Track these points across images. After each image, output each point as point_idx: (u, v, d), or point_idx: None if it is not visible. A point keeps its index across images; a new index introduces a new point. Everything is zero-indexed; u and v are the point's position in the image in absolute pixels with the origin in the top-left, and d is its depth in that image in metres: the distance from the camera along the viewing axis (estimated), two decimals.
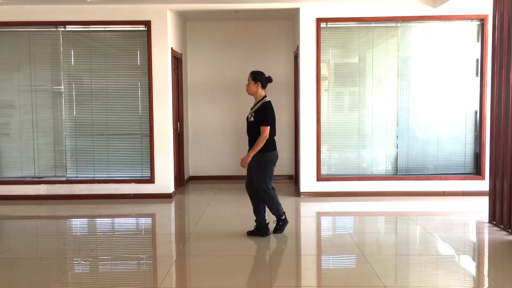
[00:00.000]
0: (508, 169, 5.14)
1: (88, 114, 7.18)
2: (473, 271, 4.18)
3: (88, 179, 7.18)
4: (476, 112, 7.09)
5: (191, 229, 5.47)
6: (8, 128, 7.26)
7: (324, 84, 7.18)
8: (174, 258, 4.47)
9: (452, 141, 7.15)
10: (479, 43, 7.01)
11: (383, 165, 7.23)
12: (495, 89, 5.45)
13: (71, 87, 7.20)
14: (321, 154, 7.13)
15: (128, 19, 7.00)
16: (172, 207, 6.76)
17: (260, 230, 5.01)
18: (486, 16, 6.84)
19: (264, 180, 4.85)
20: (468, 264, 4.36)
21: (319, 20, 6.97)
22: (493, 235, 5.09)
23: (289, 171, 8.72)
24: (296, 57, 7.68)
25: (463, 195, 6.99)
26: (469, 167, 7.16)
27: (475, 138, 7.12)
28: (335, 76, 7.21)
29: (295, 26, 7.67)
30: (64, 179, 7.20)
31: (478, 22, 7.00)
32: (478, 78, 7.04)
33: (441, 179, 7.06)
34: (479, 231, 5.38)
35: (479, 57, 7.02)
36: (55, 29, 7.11)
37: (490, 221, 5.51)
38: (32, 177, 7.23)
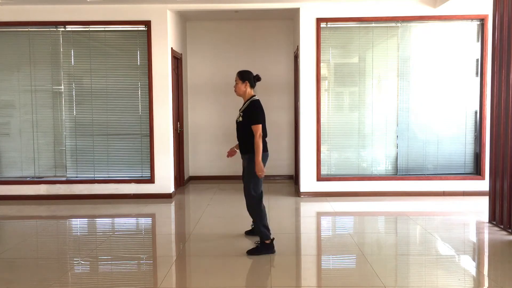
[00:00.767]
0: (508, 169, 5.14)
1: (88, 114, 7.18)
2: (473, 271, 4.18)
3: (88, 179, 7.18)
4: (476, 112, 7.09)
5: (191, 229, 5.47)
6: (8, 128, 7.26)
7: (324, 84, 7.18)
8: (174, 258, 4.47)
9: (452, 141, 7.15)
10: (479, 43, 7.01)
11: (383, 165, 7.23)
12: (495, 89, 5.45)
13: (71, 87, 7.20)
14: (321, 154, 7.13)
15: (128, 19, 7.00)
16: (172, 207, 6.76)
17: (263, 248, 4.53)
18: (486, 16, 6.84)
19: (256, 184, 4.53)
20: (468, 264, 4.36)
21: (319, 20, 6.97)
22: (493, 235, 5.09)
23: (289, 171, 8.72)
24: (296, 57, 7.68)
25: (463, 195, 6.99)
26: (469, 167, 7.16)
27: (475, 138, 7.12)
28: (335, 76, 7.21)
29: (295, 26, 7.67)
30: (64, 179, 7.20)
31: (478, 22, 7.00)
32: (478, 78, 7.04)
33: (441, 179, 7.06)
34: (479, 231, 5.38)
35: (479, 57, 7.02)
36: (55, 29, 7.11)
37: (490, 221, 5.51)
38: (32, 177, 7.23)
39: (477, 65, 7.04)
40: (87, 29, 7.10)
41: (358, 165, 7.25)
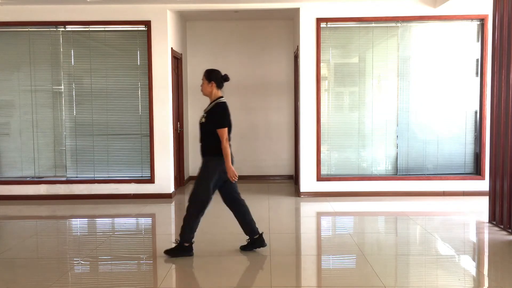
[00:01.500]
0: (508, 169, 5.14)
1: (88, 114, 7.17)
2: (473, 271, 4.18)
3: (88, 179, 7.18)
4: (476, 112, 7.09)
5: None
6: (8, 128, 7.26)
7: (324, 84, 7.18)
8: (174, 258, 4.46)
9: (452, 141, 7.15)
10: (479, 43, 7.01)
11: (383, 165, 7.23)
12: (495, 89, 5.45)
13: (71, 87, 7.20)
14: (321, 154, 7.13)
15: (128, 19, 7.00)
16: (172, 207, 6.76)
17: (255, 243, 4.54)
18: (486, 16, 6.84)
19: (206, 188, 4.35)
20: (468, 264, 4.36)
21: (319, 20, 6.97)
22: (493, 235, 5.09)
23: (289, 171, 8.72)
24: (296, 57, 7.68)
25: (463, 195, 6.99)
26: (469, 167, 7.16)
27: (475, 138, 7.12)
28: (335, 76, 7.21)
29: (295, 26, 7.67)
30: (64, 179, 7.20)
31: (478, 22, 7.00)
32: (478, 78, 7.04)
33: (441, 179, 7.06)
34: (479, 231, 5.38)
35: (479, 57, 7.02)
36: (55, 29, 7.11)
37: (490, 221, 5.51)
38: (32, 177, 7.23)
39: (477, 65, 7.04)
40: (87, 29, 7.10)
41: (358, 165, 7.25)
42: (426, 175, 7.11)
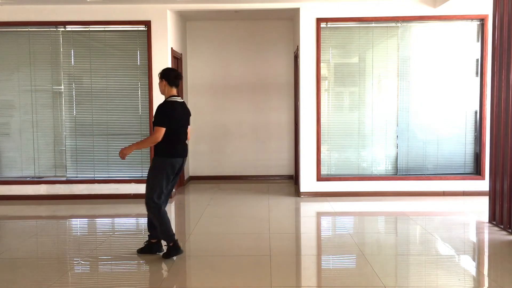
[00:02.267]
0: (508, 169, 5.14)
1: (88, 114, 7.17)
2: (473, 271, 4.18)
3: (88, 179, 7.18)
4: (476, 112, 7.09)
5: (191, 229, 5.47)
6: (8, 128, 7.26)
7: (324, 84, 7.17)
8: (174, 258, 4.46)
9: (452, 141, 7.15)
10: (479, 43, 7.01)
11: (383, 165, 7.23)
12: (495, 89, 5.45)
13: (71, 87, 7.20)
14: (321, 154, 7.13)
15: (128, 19, 7.00)
16: (172, 207, 6.76)
17: (152, 248, 4.50)
18: (486, 16, 6.84)
19: (155, 190, 4.25)
20: (468, 264, 4.36)
21: (319, 20, 6.97)
22: (493, 235, 5.09)
23: (289, 171, 8.72)
24: (296, 57, 7.68)
25: (463, 195, 6.99)
26: (469, 167, 7.16)
27: (475, 138, 7.12)
28: (335, 76, 7.21)
29: (295, 26, 7.67)
30: (64, 179, 7.20)
31: (478, 22, 7.00)
32: (478, 78, 7.04)
33: (441, 179, 7.06)
34: (479, 231, 5.38)
35: (479, 57, 7.02)
36: (55, 29, 7.11)
37: (490, 221, 5.51)
38: (32, 177, 7.23)
39: (477, 65, 7.04)
40: (87, 29, 7.10)
41: (358, 165, 7.25)
42: (426, 175, 7.11)
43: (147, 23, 7.00)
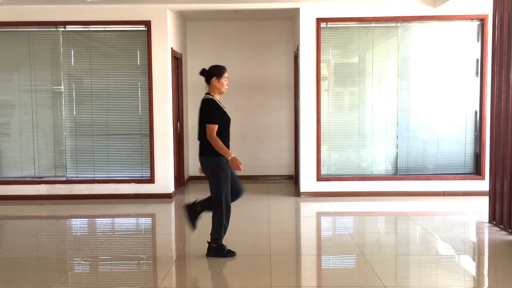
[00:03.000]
0: (508, 169, 5.14)
1: (88, 114, 7.18)
2: (473, 271, 4.18)
3: (88, 179, 7.18)
4: (476, 112, 7.09)
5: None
6: (8, 128, 7.26)
7: (324, 84, 7.17)
8: (174, 258, 4.47)
9: (452, 141, 7.15)
10: (479, 43, 7.01)
11: (383, 165, 7.23)
12: (495, 89, 5.45)
13: (71, 87, 7.20)
14: (321, 154, 7.13)
15: (128, 19, 7.00)
16: (172, 207, 6.76)
17: (195, 211, 4.42)
18: (486, 16, 6.84)
19: (221, 190, 4.28)
20: (468, 264, 4.36)
21: (319, 20, 6.97)
22: (493, 235, 5.09)
23: (289, 171, 8.72)
24: (296, 57, 7.68)
25: (463, 195, 6.99)
26: (469, 167, 7.16)
27: (475, 138, 7.12)
28: (335, 76, 7.21)
29: (295, 26, 7.67)
30: (64, 179, 7.20)
31: (478, 22, 7.00)
32: (478, 78, 7.04)
33: (441, 179, 7.06)
34: (479, 231, 5.38)
35: (479, 57, 7.02)
36: (55, 29, 7.11)
37: (490, 221, 5.51)
38: (32, 177, 7.23)
39: (477, 65, 7.04)
40: (87, 29, 7.10)
41: (358, 165, 7.25)
42: (426, 175, 7.11)
43: (147, 23, 7.00)
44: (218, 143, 4.14)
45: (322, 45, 7.05)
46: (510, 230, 5.11)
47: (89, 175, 7.21)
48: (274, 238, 4.97)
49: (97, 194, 7.11)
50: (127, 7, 6.97)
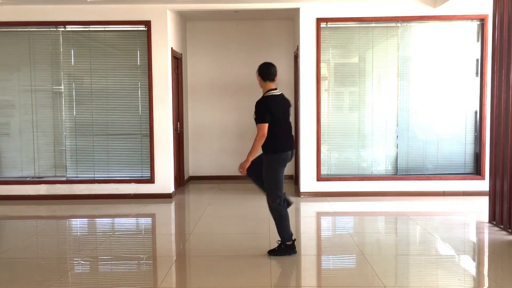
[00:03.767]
0: (508, 169, 5.14)
1: (88, 114, 7.17)
2: (473, 271, 4.18)
3: (88, 179, 7.18)
4: (476, 112, 7.09)
5: (191, 229, 5.47)
6: (8, 128, 7.26)
7: (324, 84, 7.17)
8: (174, 258, 4.47)
9: (452, 141, 7.15)
10: (479, 43, 7.01)
11: (383, 165, 7.23)
12: (495, 89, 5.45)
13: (71, 87, 7.20)
14: (321, 154, 7.13)
15: (128, 19, 7.00)
16: (172, 207, 6.76)
17: (287, 250, 4.41)
18: (486, 16, 6.84)
19: (275, 187, 4.45)
20: (468, 264, 4.36)
21: (319, 20, 6.97)
22: (493, 235, 5.09)
23: (289, 171, 8.71)
24: (296, 57, 7.68)
25: (463, 195, 6.99)
26: (469, 167, 7.15)
27: (475, 138, 7.12)
28: (335, 76, 7.21)
29: (295, 26, 7.67)
30: (64, 179, 7.20)
31: (478, 22, 7.00)
32: (478, 78, 7.04)
33: (441, 179, 7.06)
34: (479, 231, 5.38)
35: (479, 57, 7.02)
36: (55, 29, 7.11)
37: (490, 221, 5.51)
38: (32, 177, 7.23)
39: (477, 65, 7.04)
40: (87, 29, 7.10)
41: (358, 165, 7.24)
42: (426, 175, 7.11)
43: (147, 23, 6.99)
44: None
45: (322, 45, 7.04)
46: (510, 230, 5.11)
47: (89, 175, 7.21)
48: (274, 238, 4.96)
49: (97, 194, 7.11)
50: (127, 7, 6.97)
